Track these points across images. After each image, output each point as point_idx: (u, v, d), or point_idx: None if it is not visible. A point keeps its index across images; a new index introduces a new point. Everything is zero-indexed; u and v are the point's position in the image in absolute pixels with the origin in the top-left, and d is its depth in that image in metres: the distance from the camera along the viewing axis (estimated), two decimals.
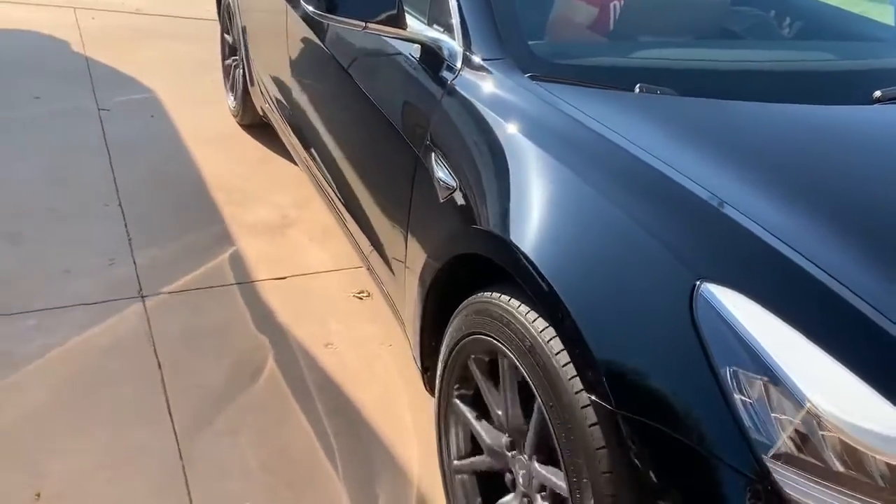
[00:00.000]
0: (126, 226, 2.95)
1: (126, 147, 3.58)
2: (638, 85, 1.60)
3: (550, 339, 1.27)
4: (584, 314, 1.20)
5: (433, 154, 1.69)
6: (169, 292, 2.60)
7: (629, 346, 1.16)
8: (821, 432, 0.99)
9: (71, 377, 2.16)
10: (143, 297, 2.57)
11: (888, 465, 0.96)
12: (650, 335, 1.15)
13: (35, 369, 2.18)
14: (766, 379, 1.03)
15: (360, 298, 2.69)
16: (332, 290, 2.73)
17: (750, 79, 1.78)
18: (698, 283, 1.12)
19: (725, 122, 1.57)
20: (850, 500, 0.96)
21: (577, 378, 1.20)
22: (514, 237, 1.37)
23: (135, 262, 2.73)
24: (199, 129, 3.86)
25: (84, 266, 2.68)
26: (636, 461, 1.11)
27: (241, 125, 3.93)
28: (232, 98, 3.98)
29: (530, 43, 1.73)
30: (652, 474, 1.10)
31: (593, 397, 1.17)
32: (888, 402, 0.98)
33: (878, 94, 1.68)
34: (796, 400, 1.00)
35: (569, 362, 1.22)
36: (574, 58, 1.80)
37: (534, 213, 1.36)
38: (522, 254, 1.33)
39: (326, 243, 3.00)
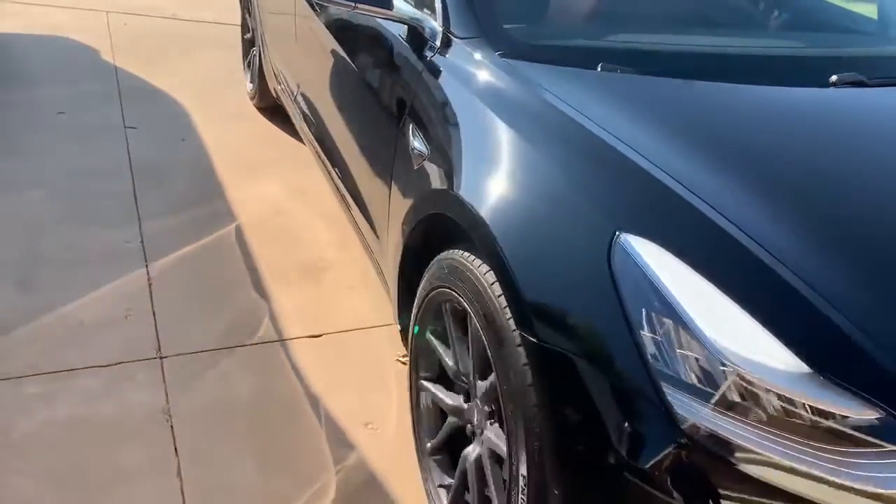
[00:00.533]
0: (147, 269, 2.67)
1: (152, 174, 3.31)
2: (600, 64, 1.72)
3: (492, 284, 1.40)
4: (519, 261, 1.35)
5: (411, 125, 1.84)
6: (192, 353, 2.32)
7: (555, 289, 1.31)
8: (721, 368, 1.10)
9: (72, 466, 1.88)
10: (161, 358, 2.28)
11: (778, 395, 1.07)
12: (573, 279, 1.29)
13: (34, 450, 1.91)
14: (672, 320, 1.14)
15: (405, 363, 2.38)
16: (375, 349, 2.43)
17: (710, 61, 1.88)
18: (617, 233, 1.25)
19: (672, 97, 1.70)
20: (742, 425, 1.08)
21: (512, 319, 1.33)
22: (469, 196, 1.52)
23: (155, 316, 2.45)
24: (230, 150, 3.58)
25: (99, 317, 2.41)
26: (556, 389, 1.25)
27: (257, 108, 4.08)
28: (250, 82, 4.14)
29: (507, 26, 1.86)
30: (570, 400, 1.23)
31: (523, 333, 1.29)
32: (780, 343, 1.10)
33: (833, 78, 1.80)
34: (698, 339, 1.12)
35: (506, 305, 1.35)
36: (545, 39, 1.94)
37: (487, 175, 1.53)
38: (475, 211, 1.48)
39: (367, 297, 2.69)
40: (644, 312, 1.18)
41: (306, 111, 2.90)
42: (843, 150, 1.63)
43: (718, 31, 2.21)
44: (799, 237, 1.26)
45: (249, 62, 4.13)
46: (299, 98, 2.99)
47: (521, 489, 1.33)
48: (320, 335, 2.47)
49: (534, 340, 1.28)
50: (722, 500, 1.08)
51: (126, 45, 4.78)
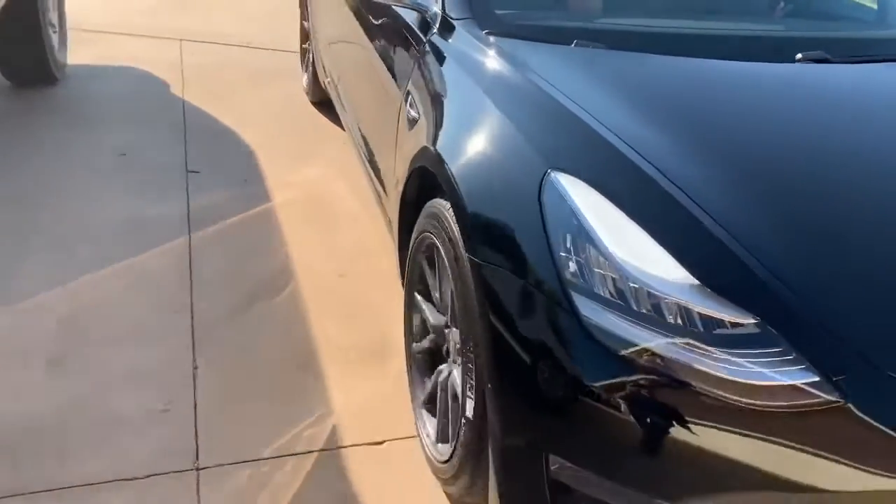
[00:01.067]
0: (194, 352, 2.36)
1: (211, 231, 3.02)
2: (575, 41, 1.96)
3: (453, 218, 1.64)
4: (471, 196, 1.60)
5: (410, 95, 2.10)
6: (231, 463, 1.98)
7: (495, 218, 1.56)
8: (629, 284, 1.32)
9: None
10: (198, 469, 1.95)
11: (672, 304, 1.29)
12: (510, 209, 1.54)
13: None
14: (588, 243, 1.37)
15: None
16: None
17: (675, 40, 2.07)
18: (549, 171, 1.50)
19: (630, 67, 1.93)
20: (641, 328, 1.29)
21: (463, 245, 1.58)
22: (442, 150, 1.76)
23: (196, 418, 2.12)
24: (297, 197, 3.28)
25: (133, 412, 2.10)
26: (492, 299, 1.48)
27: (311, 102, 4.26)
28: (305, 77, 4.36)
29: (500, 11, 2.11)
30: (501, 308, 1.46)
31: (470, 255, 1.54)
32: (676, 262, 1.32)
33: (799, 56, 2.00)
34: (609, 259, 1.34)
35: (461, 235, 1.59)
36: (530, 20, 2.16)
37: (457, 131, 1.79)
38: (444, 160, 1.73)
39: None
40: (565, 236, 1.39)
41: (342, 96, 3.27)
42: (779, 111, 1.86)
43: (694, 16, 2.36)
44: (709, 178, 1.49)
45: (306, 63, 4.35)
46: (339, 86, 3.34)
47: (468, 389, 1.58)
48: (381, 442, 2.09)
49: (477, 260, 1.51)
50: (627, 387, 1.28)
51: (197, 77, 4.57)
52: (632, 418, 1.27)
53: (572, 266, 1.36)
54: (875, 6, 2.61)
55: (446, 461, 1.75)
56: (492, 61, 1.93)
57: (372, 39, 2.68)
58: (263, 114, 4.13)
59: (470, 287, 1.53)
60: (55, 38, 4.31)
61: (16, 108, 4.00)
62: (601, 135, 1.58)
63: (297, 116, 4.14)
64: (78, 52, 4.69)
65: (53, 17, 4.37)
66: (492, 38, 1.99)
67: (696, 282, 1.29)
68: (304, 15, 4.35)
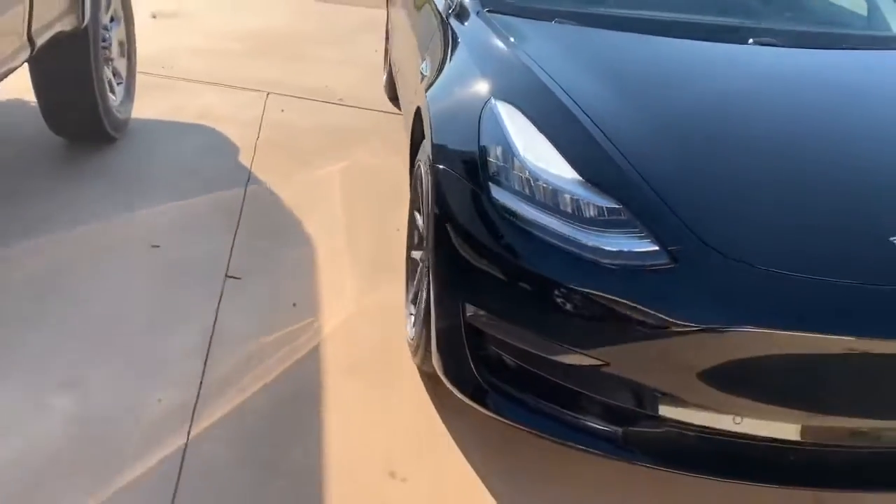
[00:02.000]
0: None
1: (236, 370, 2.24)
2: (555, 19, 2.42)
3: (430, 144, 2.06)
4: (436, 125, 2.07)
5: (424, 60, 2.60)
6: None
7: (450, 136, 2.00)
8: (535, 181, 1.75)
9: None
10: None
11: (561, 194, 1.72)
12: (460, 129, 1.98)
13: None
14: (508, 148, 1.82)
15: None
16: None
17: (644, 22, 2.49)
18: (491, 98, 1.97)
19: (592, 39, 2.35)
20: (540, 211, 1.71)
21: (431, 158, 2.00)
22: (428, 94, 2.23)
23: None
24: (359, 341, 2.45)
25: None
26: (441, 193, 1.90)
27: (389, 98, 4.44)
28: (384, 74, 4.56)
29: None
30: (445, 200, 1.89)
31: (432, 163, 1.97)
32: (569, 165, 1.75)
33: (751, 40, 2.42)
34: (522, 162, 1.78)
35: (431, 153, 2.02)
36: (525, 2, 2.52)
37: (441, 80, 2.27)
38: (426, 100, 2.20)
39: None
40: (494, 146, 1.86)
41: (396, 77, 3.73)
42: (711, 75, 2.31)
43: (668, 8, 2.65)
44: (618, 112, 1.93)
45: (386, 63, 4.54)
46: (397, 72, 3.74)
47: (425, 266, 2.01)
48: None
49: (437, 166, 1.95)
50: (521, 249, 1.72)
51: (274, 141, 3.89)
52: (524, 273, 1.70)
53: (494, 167, 1.83)
54: (864, 12, 2.90)
55: (413, 338, 2.17)
56: (481, 30, 2.35)
57: (414, 27, 3.17)
58: (338, 192, 3.38)
59: (430, 192, 1.98)
60: (118, 91, 3.74)
61: (59, 169, 3.41)
62: (541, 79, 2.02)
63: (383, 198, 3.35)
64: (149, 103, 4.12)
65: (120, 64, 3.80)
66: (489, 15, 2.42)
67: (581, 179, 1.74)
68: (388, 36, 4.68)
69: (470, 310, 1.79)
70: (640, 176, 1.73)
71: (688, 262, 1.60)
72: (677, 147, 1.86)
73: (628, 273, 1.61)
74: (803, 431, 1.62)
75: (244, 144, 3.81)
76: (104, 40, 3.54)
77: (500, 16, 2.42)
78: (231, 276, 2.71)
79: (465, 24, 2.45)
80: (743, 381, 1.58)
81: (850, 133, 2.04)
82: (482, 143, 1.88)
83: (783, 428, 1.63)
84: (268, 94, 4.55)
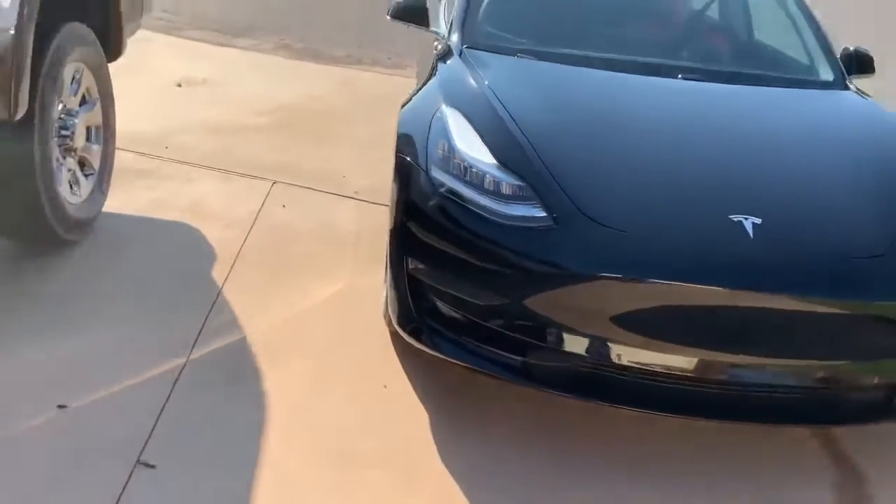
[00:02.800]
0: None
1: None
2: (517, 53, 2.95)
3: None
4: (401, 126, 2.63)
5: (417, 82, 3.21)
6: None
7: (409, 134, 2.53)
8: (465, 166, 2.23)
9: None
10: None
11: (486, 175, 2.22)
12: (416, 128, 2.50)
13: None
14: (449, 143, 2.32)
15: None
16: None
17: (591, 59, 2.96)
18: (442, 104, 2.49)
19: (540, 69, 2.86)
20: (469, 188, 2.20)
21: (396, 149, 2.55)
22: (402, 109, 2.77)
23: None
24: None
25: None
26: (399, 178, 2.43)
27: None
28: None
29: (479, 34, 3.05)
30: (402, 181, 2.40)
31: (397, 153, 2.51)
32: (491, 155, 2.24)
33: (680, 75, 2.92)
34: (457, 153, 2.28)
35: (396, 146, 2.56)
36: (493, 39, 3.05)
37: (413, 99, 2.81)
38: (400, 112, 2.74)
39: None
40: (437, 139, 2.35)
41: None
42: (636, 98, 2.78)
43: (618, 50, 3.09)
44: (540, 120, 2.43)
45: None
46: None
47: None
48: None
49: (398, 155, 2.48)
50: (447, 214, 2.21)
51: (261, 249, 3.25)
52: (451, 231, 2.17)
53: (437, 155, 2.32)
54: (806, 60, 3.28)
55: (383, 306, 2.56)
56: (454, 62, 2.89)
57: (424, 62, 3.48)
58: (322, 346, 2.67)
59: (393, 173, 2.51)
60: (84, 185, 3.17)
61: None
62: (484, 93, 2.53)
63: (369, 356, 2.64)
64: (132, 194, 3.59)
65: (91, 153, 3.24)
66: (468, 51, 2.93)
67: (499, 164, 2.22)
68: None
69: (412, 263, 2.27)
70: (542, 164, 2.22)
71: (565, 224, 2.08)
72: (577, 145, 2.37)
73: (523, 231, 2.10)
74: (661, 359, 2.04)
75: (224, 253, 3.17)
76: (64, 128, 2.99)
77: (476, 52, 2.93)
78: (144, 464, 2.02)
79: (448, 61, 2.93)
80: (611, 316, 1.99)
81: (720, 141, 2.56)
82: (430, 137, 2.38)
83: (645, 355, 2.03)
84: (273, 183, 3.94)
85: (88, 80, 3.18)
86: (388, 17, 3.27)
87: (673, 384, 2.05)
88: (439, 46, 3.12)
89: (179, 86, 5.58)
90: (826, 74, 3.14)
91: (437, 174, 2.27)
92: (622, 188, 2.20)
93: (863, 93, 3.06)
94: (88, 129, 3.23)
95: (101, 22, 3.30)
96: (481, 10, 3.12)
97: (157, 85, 5.48)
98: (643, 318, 1.98)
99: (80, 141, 3.11)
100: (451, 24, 3.10)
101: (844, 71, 3.15)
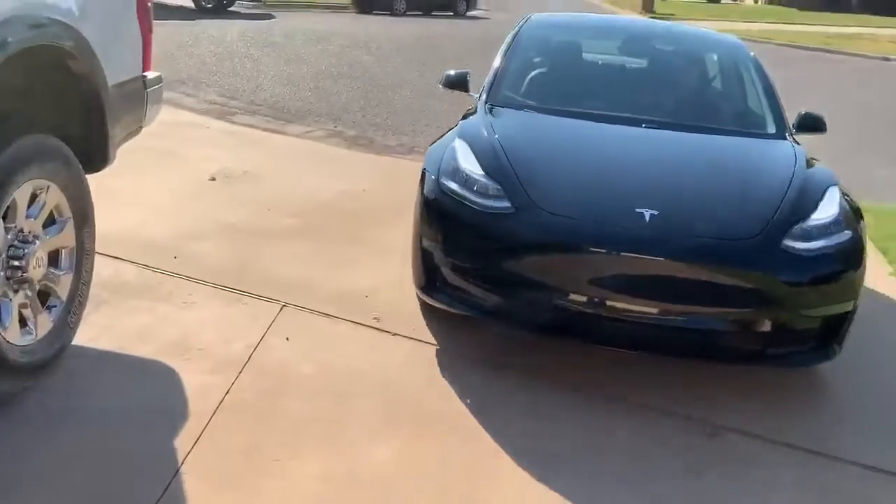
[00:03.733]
0: None
1: None
2: (523, 108, 3.92)
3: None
4: (427, 155, 3.53)
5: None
6: None
7: (432, 157, 3.45)
8: (468, 178, 3.17)
9: None
10: None
11: (479, 182, 3.12)
12: (437, 154, 3.45)
13: None
14: (456, 162, 3.23)
15: None
16: None
17: (577, 113, 3.88)
18: (456, 138, 3.43)
19: (540, 121, 3.79)
20: (466, 191, 3.10)
21: (423, 168, 3.46)
22: (430, 146, 3.70)
23: None
24: None
25: None
26: (421, 183, 3.37)
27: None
28: None
29: (501, 96, 4.02)
30: (423, 186, 3.33)
31: (423, 170, 3.42)
32: (482, 169, 3.15)
33: (643, 125, 3.78)
34: (460, 167, 3.21)
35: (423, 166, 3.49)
36: (508, 100, 4.01)
37: (440, 139, 3.66)
38: (429, 149, 3.67)
39: None
40: (449, 160, 3.25)
41: None
42: (604, 139, 3.72)
43: (594, 104, 4.04)
44: (524, 150, 3.30)
45: None
46: None
47: None
48: None
49: (424, 169, 3.40)
50: (448, 209, 3.14)
51: (244, 407, 2.66)
52: (450, 218, 3.10)
53: (447, 169, 3.21)
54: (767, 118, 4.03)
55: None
56: (477, 112, 3.86)
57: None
58: None
59: (419, 183, 3.38)
60: (43, 321, 2.67)
61: None
62: (487, 133, 3.44)
63: None
64: (113, 320, 3.11)
65: (58, 282, 2.75)
66: (489, 105, 3.91)
67: (485, 174, 3.11)
68: None
69: (425, 242, 3.17)
70: (514, 175, 3.12)
71: (521, 211, 2.98)
72: (540, 164, 3.27)
73: (496, 216, 3.00)
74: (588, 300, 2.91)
75: (198, 410, 2.59)
76: (16, 258, 2.51)
77: (497, 108, 3.90)
78: None
79: (471, 114, 3.90)
80: (554, 270, 2.96)
81: (645, 165, 3.44)
82: (444, 158, 3.33)
83: (573, 297, 2.92)
84: (283, 306, 3.37)
85: (56, 199, 2.72)
86: (441, 86, 4.50)
87: (596, 320, 2.94)
88: (470, 107, 4.12)
89: (213, 179, 5.17)
90: (770, 128, 3.94)
91: (445, 181, 3.19)
92: (564, 190, 3.11)
93: (796, 142, 3.81)
94: (55, 254, 2.76)
95: (82, 131, 2.86)
96: (504, 80, 4.15)
97: (189, 179, 5.10)
98: (568, 270, 2.95)
99: (38, 270, 2.62)
100: (482, 89, 4.15)
101: (790, 127, 3.95)
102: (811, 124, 3.97)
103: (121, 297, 3.32)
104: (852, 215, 3.09)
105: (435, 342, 3.21)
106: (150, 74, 3.42)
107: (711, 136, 3.80)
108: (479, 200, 3.03)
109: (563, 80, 4.42)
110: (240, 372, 2.85)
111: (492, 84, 4.08)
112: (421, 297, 3.27)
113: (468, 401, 2.82)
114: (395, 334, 3.22)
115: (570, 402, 2.93)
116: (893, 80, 14.59)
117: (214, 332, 3.12)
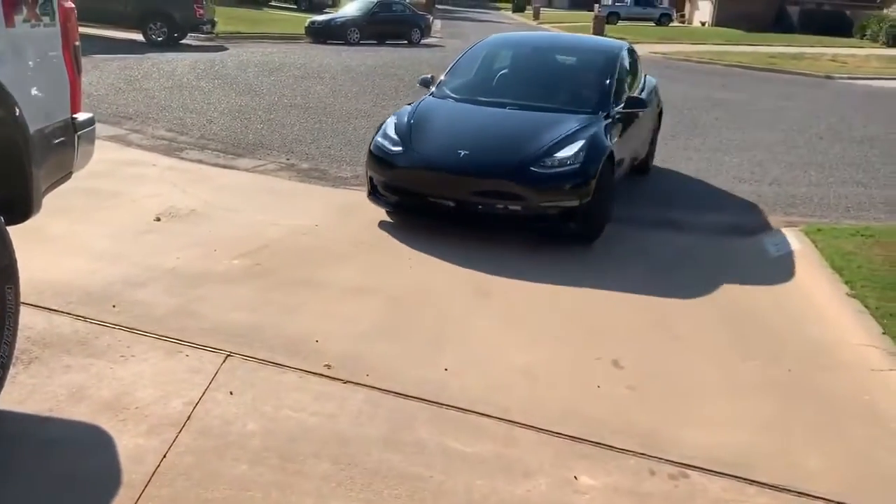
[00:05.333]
0: None
1: None
2: (446, 98, 5.99)
3: None
4: (377, 131, 5.62)
5: None
6: None
7: (376, 129, 5.67)
8: (386, 136, 5.40)
9: None
10: None
11: (392, 139, 5.32)
12: (379, 127, 5.78)
13: None
14: (385, 128, 5.52)
15: None
16: None
17: (481, 101, 5.89)
18: (391, 116, 5.75)
19: (449, 103, 5.89)
20: (385, 141, 5.33)
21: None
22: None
23: None
24: None
25: None
26: (372, 141, 5.53)
27: None
28: None
29: (438, 90, 6.09)
30: (371, 141, 5.50)
31: (373, 138, 5.70)
32: (396, 133, 5.37)
33: (508, 108, 5.83)
34: (385, 131, 5.47)
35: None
36: (444, 93, 6.02)
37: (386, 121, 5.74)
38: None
39: None
40: (384, 128, 5.45)
41: None
42: (479, 116, 5.68)
43: (495, 96, 5.99)
44: (423, 120, 5.48)
45: None
46: None
47: None
48: None
49: (373, 137, 5.54)
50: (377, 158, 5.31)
51: (182, 472, 2.46)
52: (378, 158, 5.26)
53: (381, 132, 5.44)
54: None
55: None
56: (426, 100, 5.88)
57: None
58: None
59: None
60: None
61: None
62: (408, 114, 5.54)
63: None
64: (41, 379, 2.86)
65: None
66: (429, 96, 5.95)
67: (396, 135, 5.28)
68: None
69: (368, 170, 5.30)
70: (409, 135, 5.22)
71: (405, 151, 5.11)
72: (427, 129, 5.31)
73: (393, 154, 5.12)
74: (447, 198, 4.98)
75: (131, 479, 2.39)
76: None
77: (432, 98, 5.96)
78: None
79: (424, 96, 6.05)
80: (418, 181, 5.03)
81: (485, 128, 5.47)
82: (379, 128, 5.44)
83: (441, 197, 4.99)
84: (227, 356, 3.19)
85: None
86: (418, 85, 6.43)
87: (438, 206, 5.03)
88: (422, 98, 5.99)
89: (158, 220, 4.97)
90: (588, 108, 5.65)
91: (378, 138, 5.31)
92: (429, 141, 5.20)
93: (607, 118, 5.59)
94: None
95: (1, 180, 2.67)
96: (443, 81, 6.18)
97: (132, 220, 4.89)
98: (420, 179, 5.03)
99: None
100: (433, 86, 6.17)
101: (609, 105, 5.72)
102: (635, 104, 6.02)
103: (53, 353, 3.11)
104: (590, 156, 5.02)
105: (392, 388, 3.05)
106: (81, 116, 3.23)
107: (546, 113, 5.60)
108: (388, 147, 5.20)
109: (478, 80, 6.32)
110: (178, 432, 2.65)
111: (437, 84, 6.16)
112: (368, 199, 5.36)
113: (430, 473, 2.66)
114: (347, 382, 3.05)
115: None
116: (833, 96, 14.93)
117: (153, 388, 2.93)
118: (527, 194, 4.85)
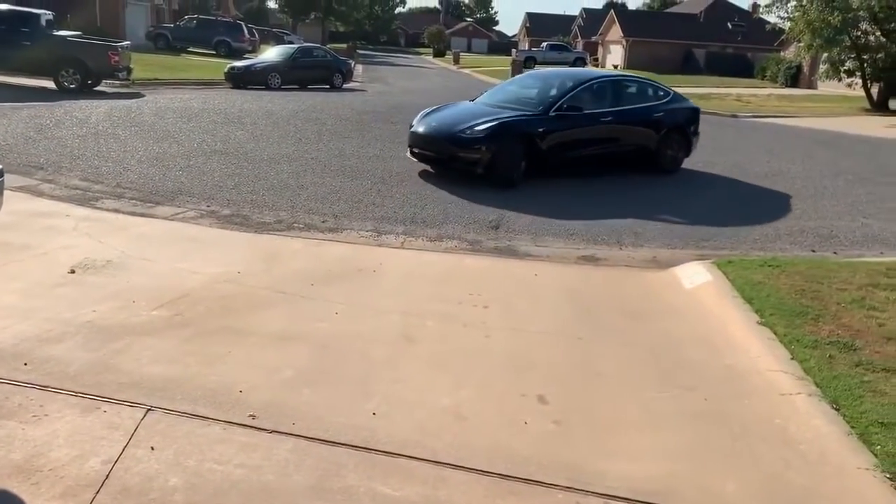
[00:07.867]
0: None
1: None
2: (475, 101, 10.52)
3: None
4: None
5: None
6: None
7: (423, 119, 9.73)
8: (415, 120, 9.62)
9: None
10: None
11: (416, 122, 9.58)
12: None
13: None
14: (419, 115, 10.00)
15: None
16: None
17: (485, 103, 10.29)
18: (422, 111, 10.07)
19: (468, 105, 10.13)
20: (414, 123, 9.62)
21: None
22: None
23: None
24: None
25: None
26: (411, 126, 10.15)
27: None
28: None
29: (478, 98, 10.70)
30: (410, 129, 10.08)
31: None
32: (419, 117, 9.65)
33: (496, 106, 10.13)
34: (417, 118, 9.76)
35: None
36: (476, 98, 10.61)
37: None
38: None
39: None
40: (416, 117, 9.72)
41: None
42: (459, 112, 9.75)
43: (499, 102, 9.94)
44: (435, 112, 9.89)
45: None
46: None
47: None
48: None
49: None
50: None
51: None
52: (411, 130, 9.46)
53: (414, 119, 9.72)
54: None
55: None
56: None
57: None
58: None
59: None
60: None
61: None
62: (432, 108, 10.16)
63: None
64: None
65: None
66: (470, 101, 10.51)
67: (419, 118, 9.64)
68: None
69: (409, 140, 9.31)
70: (422, 118, 9.53)
71: (415, 126, 9.29)
72: (434, 114, 9.60)
73: (413, 129, 9.36)
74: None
75: None
76: None
77: (470, 101, 10.37)
78: None
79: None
80: (415, 142, 9.18)
81: (459, 114, 9.53)
82: (416, 116, 9.71)
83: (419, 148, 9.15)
84: (147, 410, 3.10)
85: None
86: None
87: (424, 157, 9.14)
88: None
89: (73, 272, 4.81)
90: (539, 108, 9.34)
91: (413, 122, 9.35)
92: (426, 122, 9.24)
93: (546, 113, 9.14)
94: None
95: None
96: (486, 92, 10.64)
97: (46, 274, 4.72)
98: (417, 142, 9.11)
99: None
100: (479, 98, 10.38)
101: (556, 105, 9.18)
102: (575, 105, 9.17)
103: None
104: (497, 131, 8.49)
105: (319, 436, 3.02)
106: None
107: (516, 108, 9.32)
108: (413, 124, 9.15)
109: (501, 93, 10.18)
110: (96, 493, 2.56)
111: (482, 98, 10.15)
112: (408, 154, 9.24)
113: None
114: (272, 432, 3.01)
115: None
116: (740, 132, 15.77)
117: (68, 447, 2.82)
118: (456, 150, 8.54)
